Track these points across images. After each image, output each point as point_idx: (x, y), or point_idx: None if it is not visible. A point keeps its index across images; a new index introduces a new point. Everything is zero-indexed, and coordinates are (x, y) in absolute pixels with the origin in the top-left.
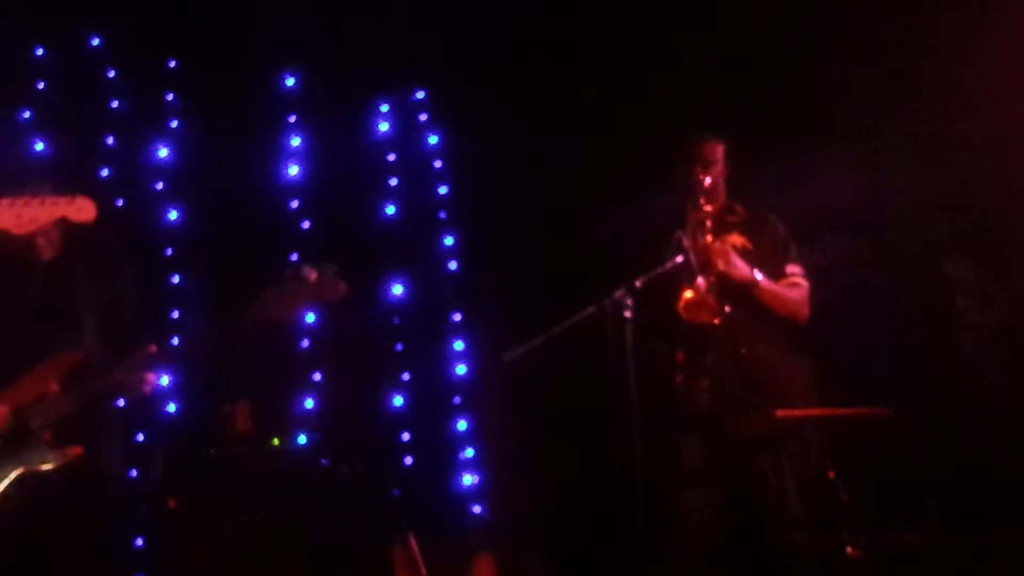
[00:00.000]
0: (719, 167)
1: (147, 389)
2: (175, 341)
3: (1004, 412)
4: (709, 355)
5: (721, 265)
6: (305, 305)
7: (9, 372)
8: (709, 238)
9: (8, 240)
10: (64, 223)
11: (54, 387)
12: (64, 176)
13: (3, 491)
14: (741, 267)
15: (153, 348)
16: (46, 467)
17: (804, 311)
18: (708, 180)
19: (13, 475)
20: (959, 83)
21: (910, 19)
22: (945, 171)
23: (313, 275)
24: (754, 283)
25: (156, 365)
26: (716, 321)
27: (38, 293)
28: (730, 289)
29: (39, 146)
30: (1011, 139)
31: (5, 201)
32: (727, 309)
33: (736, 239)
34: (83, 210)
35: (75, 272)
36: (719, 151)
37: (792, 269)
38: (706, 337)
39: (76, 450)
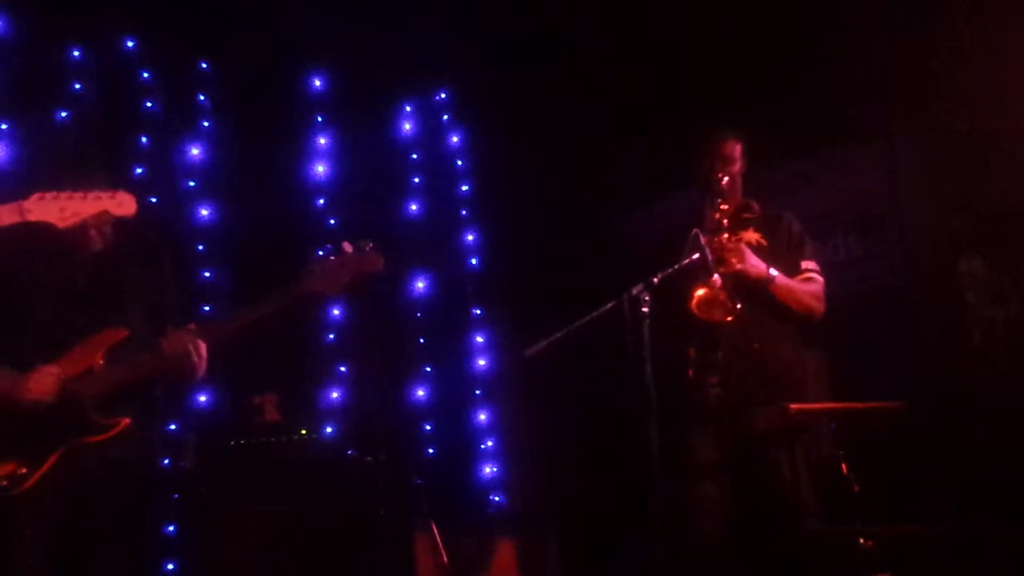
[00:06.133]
0: (738, 164)
1: (199, 361)
2: (218, 315)
3: (1015, 406)
4: (720, 351)
5: (737, 264)
6: (349, 279)
7: (57, 351)
8: (725, 236)
9: (55, 232)
10: (115, 218)
11: (100, 361)
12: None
13: (52, 465)
14: (757, 264)
15: (193, 326)
16: (94, 439)
17: (819, 306)
18: (726, 179)
19: (62, 447)
20: (972, 81)
21: (924, 17)
22: (957, 168)
23: (351, 249)
24: (770, 280)
25: (202, 340)
26: (729, 319)
27: (88, 281)
28: (745, 286)
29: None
30: (1022, 136)
31: (49, 195)
32: (739, 307)
33: (752, 235)
34: (124, 204)
35: (123, 263)
36: (738, 149)
37: (807, 265)
38: (718, 334)
39: (124, 421)
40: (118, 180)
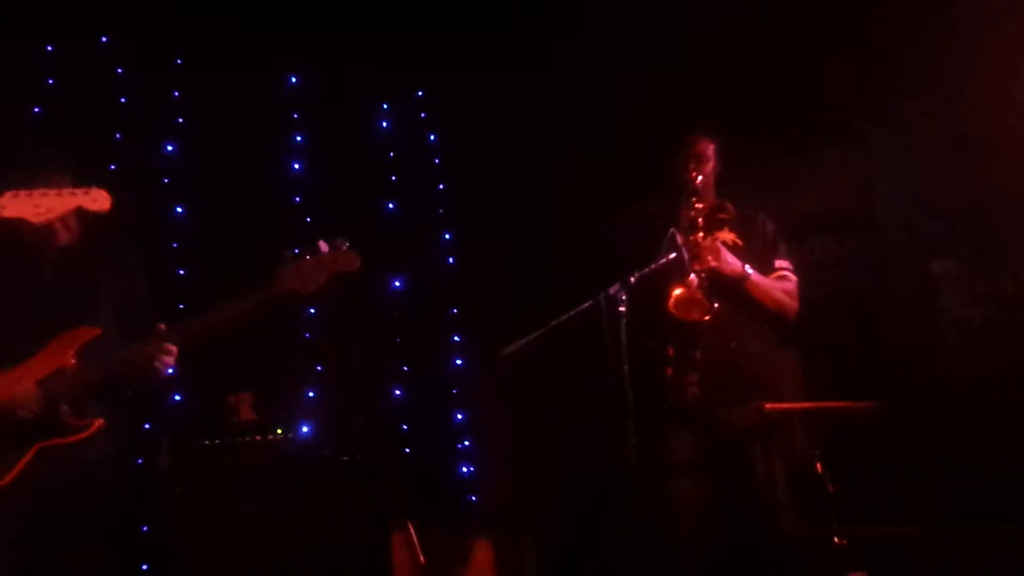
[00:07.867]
0: (711, 164)
1: (169, 361)
2: (190, 315)
3: (988, 406)
4: (699, 350)
5: (712, 262)
6: (324, 278)
7: (27, 351)
8: (700, 235)
9: (26, 229)
10: (82, 213)
11: (72, 360)
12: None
13: (24, 466)
14: (732, 262)
15: (163, 325)
16: (67, 439)
17: (793, 304)
18: (700, 178)
19: (35, 448)
20: (946, 84)
21: (899, 20)
22: (932, 171)
23: (327, 248)
24: (745, 277)
25: (172, 341)
26: (706, 318)
27: (54, 277)
28: (721, 285)
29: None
30: (997, 139)
31: (23, 192)
32: (716, 306)
33: (727, 235)
34: (98, 200)
35: (91, 258)
36: (711, 149)
37: (781, 264)
38: (696, 333)
39: (98, 421)
40: (89, 177)
